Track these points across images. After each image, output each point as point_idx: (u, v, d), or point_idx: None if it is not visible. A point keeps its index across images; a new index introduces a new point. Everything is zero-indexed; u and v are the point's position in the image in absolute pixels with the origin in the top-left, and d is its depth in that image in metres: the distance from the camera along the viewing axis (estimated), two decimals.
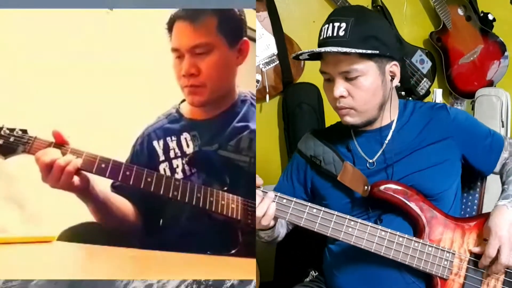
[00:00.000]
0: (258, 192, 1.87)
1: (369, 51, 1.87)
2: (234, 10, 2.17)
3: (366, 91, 1.92)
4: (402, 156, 2.00)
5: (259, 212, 1.85)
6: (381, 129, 2.04)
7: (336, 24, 1.89)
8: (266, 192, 1.87)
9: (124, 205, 2.18)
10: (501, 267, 1.88)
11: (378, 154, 2.03)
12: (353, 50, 1.84)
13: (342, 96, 1.93)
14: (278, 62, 3.61)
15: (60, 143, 1.96)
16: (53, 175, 1.90)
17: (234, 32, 2.18)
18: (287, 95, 3.65)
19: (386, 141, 2.03)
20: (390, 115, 2.02)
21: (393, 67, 1.97)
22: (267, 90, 3.59)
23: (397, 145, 2.01)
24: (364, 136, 2.06)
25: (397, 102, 2.07)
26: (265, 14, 3.59)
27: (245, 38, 2.21)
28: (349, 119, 1.98)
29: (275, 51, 3.61)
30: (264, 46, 3.58)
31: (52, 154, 1.92)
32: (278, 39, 3.62)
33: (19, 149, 1.90)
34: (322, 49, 1.87)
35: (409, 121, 2.05)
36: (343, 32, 1.87)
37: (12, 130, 1.91)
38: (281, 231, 2.13)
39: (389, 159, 2.01)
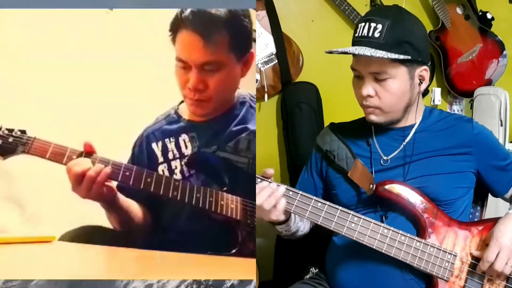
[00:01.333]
0: (271, 185, 1.88)
1: (401, 57, 1.89)
2: (244, 22, 2.14)
3: (393, 94, 1.95)
4: (418, 158, 2.02)
5: (267, 205, 1.87)
6: (401, 128, 2.07)
7: (373, 25, 1.91)
8: (279, 185, 1.89)
9: (139, 209, 2.20)
10: (494, 272, 1.91)
11: (395, 152, 2.06)
12: (385, 56, 1.86)
13: (369, 96, 1.96)
14: (276, 61, 3.61)
15: (89, 152, 1.98)
16: (84, 185, 1.93)
17: (243, 46, 2.17)
18: (285, 95, 3.64)
19: (405, 142, 2.06)
20: (416, 117, 2.06)
21: (423, 71, 1.99)
22: (266, 90, 3.58)
23: (415, 147, 2.03)
24: (384, 133, 2.09)
25: (422, 105, 2.10)
26: (263, 13, 3.58)
27: (251, 50, 2.20)
28: (374, 118, 2.01)
29: (274, 50, 3.61)
30: (262, 45, 3.58)
31: (83, 164, 1.94)
32: (276, 38, 3.61)
33: (19, 149, 1.92)
34: (356, 52, 1.89)
35: (432, 127, 2.08)
36: (379, 34, 1.90)
37: (11, 130, 1.92)
38: (301, 225, 2.15)
39: (404, 159, 2.03)
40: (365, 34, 1.92)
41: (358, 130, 2.14)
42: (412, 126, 2.07)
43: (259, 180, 1.90)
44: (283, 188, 1.89)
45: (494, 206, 2.42)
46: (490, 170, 2.08)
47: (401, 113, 2.02)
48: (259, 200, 1.87)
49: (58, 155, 1.95)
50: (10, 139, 1.90)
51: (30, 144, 1.92)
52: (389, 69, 1.92)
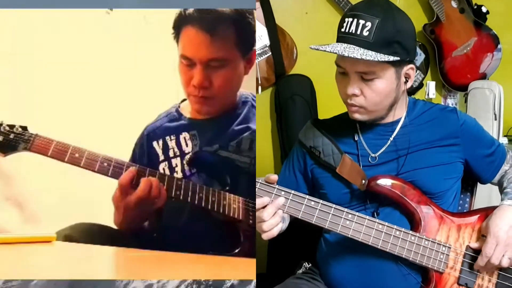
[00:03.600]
0: (277, 201, 1.85)
1: (391, 58, 1.85)
2: (249, 19, 2.14)
3: (379, 94, 1.92)
4: (407, 153, 2.00)
5: (271, 223, 1.85)
6: (387, 124, 2.05)
7: (361, 22, 1.85)
8: (277, 195, 1.87)
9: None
10: (490, 265, 1.91)
11: (383, 149, 2.04)
12: (375, 58, 1.82)
13: (354, 95, 1.92)
14: (270, 53, 3.61)
15: None
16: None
17: (248, 44, 2.17)
18: (279, 87, 3.65)
19: (392, 138, 2.04)
20: (394, 113, 2.03)
21: (409, 70, 1.96)
22: (259, 82, 3.59)
23: (403, 141, 2.02)
24: (369, 130, 2.06)
25: (406, 99, 2.07)
26: (257, 5, 3.58)
27: (254, 48, 2.20)
28: (358, 116, 1.98)
29: (268, 42, 3.61)
30: (256, 37, 3.57)
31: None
32: (270, 30, 3.61)
33: (20, 146, 1.89)
34: (345, 53, 1.82)
35: (418, 120, 2.06)
36: (367, 32, 1.84)
37: (12, 126, 1.90)
38: (284, 226, 2.10)
39: (392, 155, 2.02)
40: (353, 31, 1.86)
41: (343, 127, 2.10)
42: (398, 121, 2.05)
43: (258, 184, 1.87)
44: (282, 199, 1.85)
45: (488, 194, 2.43)
46: (477, 158, 2.09)
47: (386, 111, 1.99)
48: (263, 216, 1.84)
49: (60, 153, 1.93)
50: (11, 136, 1.88)
51: (32, 141, 1.90)
52: (377, 69, 1.88)
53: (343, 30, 1.90)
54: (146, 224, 2.16)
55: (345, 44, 1.86)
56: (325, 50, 1.87)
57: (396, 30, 1.86)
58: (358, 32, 1.85)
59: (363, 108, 1.95)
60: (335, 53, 1.86)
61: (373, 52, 1.83)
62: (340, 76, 1.97)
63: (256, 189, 1.87)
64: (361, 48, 1.84)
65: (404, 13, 1.96)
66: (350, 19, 1.88)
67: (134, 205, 1.96)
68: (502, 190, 2.09)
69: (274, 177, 1.87)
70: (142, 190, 1.96)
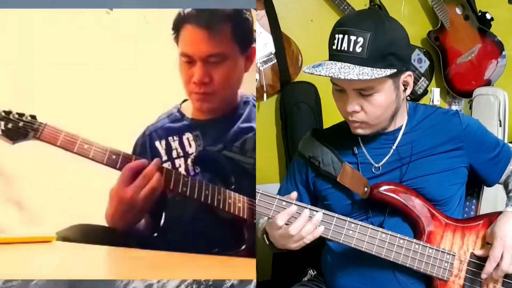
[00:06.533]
0: (306, 212, 1.82)
1: (388, 72, 1.80)
2: (246, 15, 2.16)
3: (380, 107, 1.88)
4: (410, 160, 1.98)
5: (298, 232, 1.81)
6: (389, 133, 2.02)
7: (353, 38, 1.78)
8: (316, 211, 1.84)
9: None
10: (501, 273, 1.88)
11: (386, 158, 2.01)
12: (372, 76, 1.76)
13: (354, 111, 1.89)
14: (275, 61, 3.61)
15: None
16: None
17: (246, 39, 2.17)
18: (284, 94, 3.64)
19: (394, 146, 2.01)
20: (396, 121, 2.00)
21: (407, 77, 1.92)
22: (265, 89, 3.58)
23: (406, 149, 2.00)
24: (371, 140, 2.03)
25: (406, 105, 2.05)
26: (262, 13, 3.59)
27: (253, 45, 2.20)
28: (361, 131, 1.95)
29: (273, 50, 3.61)
30: (261, 45, 3.58)
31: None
32: (275, 37, 3.62)
33: (30, 134, 1.87)
34: (342, 76, 1.75)
35: (420, 125, 2.04)
36: (360, 48, 1.78)
37: (21, 115, 1.88)
38: None
39: (396, 163, 2.00)
40: (345, 49, 1.79)
41: (344, 137, 2.06)
42: (399, 129, 2.03)
43: (284, 203, 1.84)
44: (320, 214, 1.83)
45: (493, 198, 2.42)
46: (482, 162, 2.06)
47: (388, 122, 1.96)
48: (296, 228, 1.81)
49: (69, 143, 1.91)
50: (21, 124, 1.86)
51: (42, 130, 1.89)
52: (374, 84, 1.83)
53: (334, 47, 1.83)
54: (142, 225, 2.15)
55: (339, 63, 1.80)
56: (320, 74, 1.80)
57: (389, 42, 1.82)
58: (351, 49, 1.79)
59: (365, 123, 1.92)
60: (331, 76, 1.79)
61: (369, 69, 1.78)
62: (338, 94, 1.93)
63: (257, 200, 1.84)
64: (356, 66, 1.78)
65: (394, 20, 1.91)
66: (341, 36, 1.81)
67: (129, 197, 1.94)
68: (507, 192, 2.07)
69: (294, 195, 1.86)
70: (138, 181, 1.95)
